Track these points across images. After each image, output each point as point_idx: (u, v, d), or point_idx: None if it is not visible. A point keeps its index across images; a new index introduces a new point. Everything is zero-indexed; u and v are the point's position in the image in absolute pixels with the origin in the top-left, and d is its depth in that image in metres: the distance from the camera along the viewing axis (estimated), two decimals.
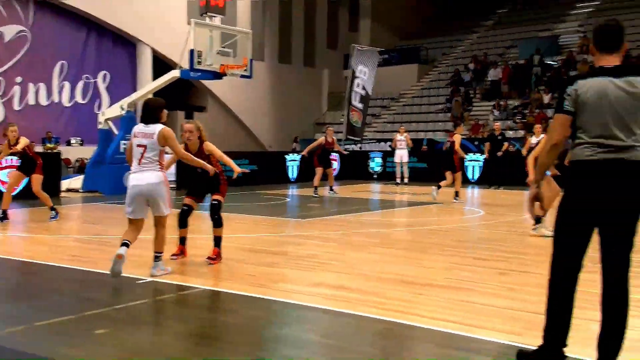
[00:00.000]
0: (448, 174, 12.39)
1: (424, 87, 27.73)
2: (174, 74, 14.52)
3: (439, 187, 12.36)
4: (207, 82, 22.70)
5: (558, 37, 25.99)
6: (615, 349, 3.01)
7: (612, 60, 3.07)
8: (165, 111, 5.36)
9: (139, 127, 5.25)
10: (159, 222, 5.35)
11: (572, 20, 27.53)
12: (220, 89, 23.86)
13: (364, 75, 20.15)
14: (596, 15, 26.65)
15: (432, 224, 8.96)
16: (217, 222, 6.02)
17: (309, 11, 28.72)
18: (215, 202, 6.01)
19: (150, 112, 5.24)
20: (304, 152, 14.00)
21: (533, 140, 10.44)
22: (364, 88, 20.18)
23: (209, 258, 5.98)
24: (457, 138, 12.35)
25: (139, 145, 5.21)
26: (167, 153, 5.53)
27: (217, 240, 6.05)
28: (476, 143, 20.02)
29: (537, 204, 3.29)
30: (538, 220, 7.77)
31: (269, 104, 26.97)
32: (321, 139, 13.95)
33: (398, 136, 16.91)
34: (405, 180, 17.02)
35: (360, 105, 20.18)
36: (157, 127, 5.18)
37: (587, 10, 27.96)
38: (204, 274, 5.57)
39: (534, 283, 5.22)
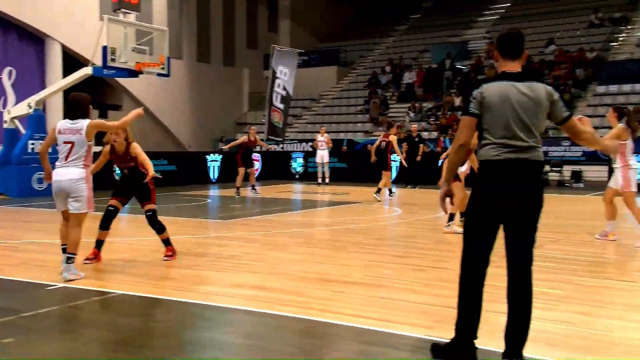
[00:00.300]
0: (383, 173, 12.88)
1: (343, 89, 28.20)
2: (86, 71, 13.87)
3: (379, 189, 12.62)
4: (122, 80, 21.85)
5: (467, 43, 27.30)
6: (521, 341, 3.19)
7: (514, 67, 3.27)
8: (91, 106, 5.33)
9: (64, 124, 5.16)
10: (75, 220, 5.23)
11: (479, 27, 29.02)
12: (137, 87, 23.06)
13: (285, 75, 20.19)
14: (501, 23, 28.27)
15: (352, 223, 9.13)
16: (159, 229, 6.14)
17: (228, 10, 28.38)
18: (150, 212, 6.07)
19: (76, 108, 5.18)
20: (226, 147, 13.98)
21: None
22: (284, 88, 20.21)
23: (165, 256, 6.14)
24: (393, 138, 12.76)
25: (65, 142, 5.15)
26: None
27: (166, 241, 6.21)
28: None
29: (448, 200, 3.48)
30: (451, 217, 8.18)
31: (188, 103, 26.36)
32: (243, 137, 13.92)
33: (319, 137, 17.07)
34: (327, 180, 17.23)
35: (281, 106, 20.19)
36: (84, 122, 5.14)
37: (493, 17, 29.60)
38: (120, 278, 5.37)
39: (448, 278, 5.46)
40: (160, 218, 6.31)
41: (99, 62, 13.54)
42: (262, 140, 15.75)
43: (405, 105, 24.60)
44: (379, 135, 22.54)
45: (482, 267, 3.27)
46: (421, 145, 16.30)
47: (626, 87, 20.51)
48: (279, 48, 20.43)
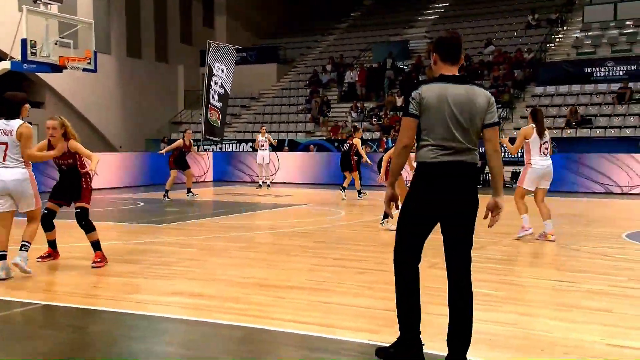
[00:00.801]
0: (347, 174, 13.73)
1: (284, 87, 28.19)
2: (3, 65, 13.23)
3: (344, 188, 13.51)
4: (45, 76, 20.92)
5: (408, 42, 27.93)
6: (463, 344, 3.30)
7: (453, 70, 3.40)
8: (26, 106, 5.44)
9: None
10: (31, 216, 5.53)
11: (420, 26, 29.76)
12: (61, 83, 22.16)
13: (222, 73, 19.96)
14: (441, 23, 29.14)
15: (294, 226, 9.14)
16: (88, 228, 6.10)
17: (160, 3, 27.77)
18: (78, 209, 6.09)
19: (10, 108, 5.33)
20: (162, 151, 13.92)
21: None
22: (222, 86, 19.98)
23: (94, 262, 6.06)
24: (358, 142, 13.45)
25: (0, 143, 5.31)
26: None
27: (95, 245, 6.14)
28: (336, 144, 20.80)
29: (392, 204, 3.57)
30: (386, 215, 8.29)
31: (117, 100, 25.59)
32: (179, 141, 13.82)
33: (260, 137, 16.97)
34: (268, 182, 17.16)
35: (219, 104, 19.94)
36: (16, 124, 5.30)
37: (433, 17, 30.44)
38: (46, 287, 5.15)
39: (391, 281, 5.55)
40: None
41: (18, 56, 12.95)
42: (197, 143, 15.57)
43: (347, 105, 24.88)
44: (321, 136, 22.79)
45: (415, 265, 3.43)
46: (364, 147, 16.47)
47: (563, 89, 21.59)
48: (216, 44, 20.18)
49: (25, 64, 12.92)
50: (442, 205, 3.31)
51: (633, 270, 6.00)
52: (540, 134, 7.65)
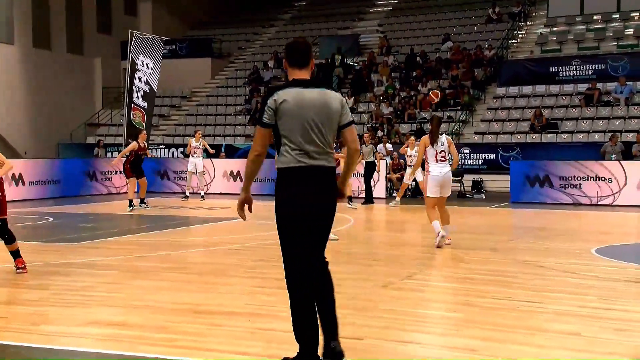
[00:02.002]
0: None
1: (220, 85, 28.04)
2: None
3: (350, 198, 14.22)
4: None
5: (358, 36, 28.34)
6: (333, 327, 3.88)
7: (303, 74, 3.87)
8: None
9: None
10: None
11: (371, 19, 30.29)
12: None
13: (147, 67, 19.67)
14: (394, 15, 29.76)
15: (231, 243, 9.07)
16: (10, 240, 6.72)
17: None
18: (0, 222, 6.67)
19: None
20: (115, 161, 13.82)
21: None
22: (147, 83, 19.68)
23: (19, 268, 6.67)
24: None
25: None
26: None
27: (16, 253, 6.77)
28: None
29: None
30: None
31: (22, 98, 24.77)
32: (133, 144, 13.88)
33: (193, 142, 16.73)
34: (202, 193, 16.95)
35: (143, 104, 19.62)
36: None
37: (386, 9, 31.02)
38: None
39: (340, 304, 5.60)
40: None
41: None
42: (149, 146, 15.33)
43: None
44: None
45: (307, 275, 3.80)
46: None
47: (526, 89, 22.38)
48: (139, 34, 19.88)
49: None
50: (307, 209, 3.74)
51: (602, 289, 6.26)
52: (433, 142, 8.58)
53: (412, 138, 14.79)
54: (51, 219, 12.26)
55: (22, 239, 9.41)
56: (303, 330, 3.76)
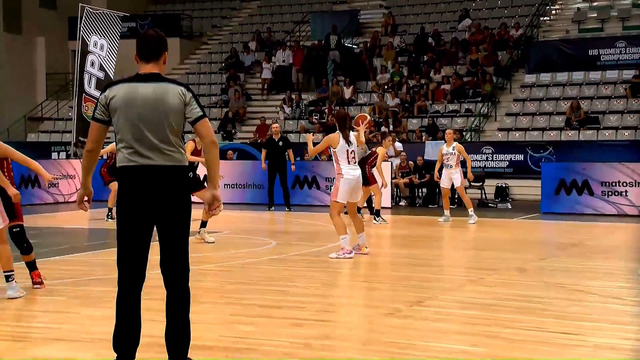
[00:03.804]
0: (364, 189, 13.30)
1: (190, 71, 28.05)
2: None
3: (375, 211, 13.75)
4: None
5: (358, 13, 28.36)
6: (183, 345, 4.47)
7: (150, 68, 4.39)
8: None
9: None
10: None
11: None
12: None
13: (102, 49, 19.68)
14: None
15: (204, 262, 9.07)
16: (27, 250, 7.16)
17: None
18: (18, 228, 7.11)
19: None
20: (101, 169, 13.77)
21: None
22: (102, 68, 19.67)
23: (37, 283, 7.16)
24: (381, 151, 13.73)
25: None
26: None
27: (32, 265, 7.21)
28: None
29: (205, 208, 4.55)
30: (204, 224, 10.43)
31: None
32: (111, 146, 13.58)
33: None
34: None
35: (97, 93, 19.58)
36: None
37: None
38: None
39: (335, 335, 5.62)
40: None
41: None
42: (80, 143, 15.18)
43: (279, 97, 24.99)
44: (246, 138, 22.73)
45: (135, 281, 4.45)
46: (289, 151, 16.48)
47: (561, 77, 22.45)
48: (91, 9, 19.88)
49: None
50: (148, 211, 4.32)
51: None
52: (347, 140, 9.08)
53: (450, 131, 14.58)
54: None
55: None
56: (122, 335, 4.44)
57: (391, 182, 17.32)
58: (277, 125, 17.15)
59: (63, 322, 6.04)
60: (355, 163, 9.18)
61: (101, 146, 4.55)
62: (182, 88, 4.39)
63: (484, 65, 23.23)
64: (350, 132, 9.28)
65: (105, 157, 14.07)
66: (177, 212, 4.37)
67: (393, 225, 14.48)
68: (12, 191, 6.78)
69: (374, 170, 13.66)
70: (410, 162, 18.44)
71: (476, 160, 19.37)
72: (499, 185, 18.50)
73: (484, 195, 18.12)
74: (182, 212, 4.40)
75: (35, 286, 7.20)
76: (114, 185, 13.75)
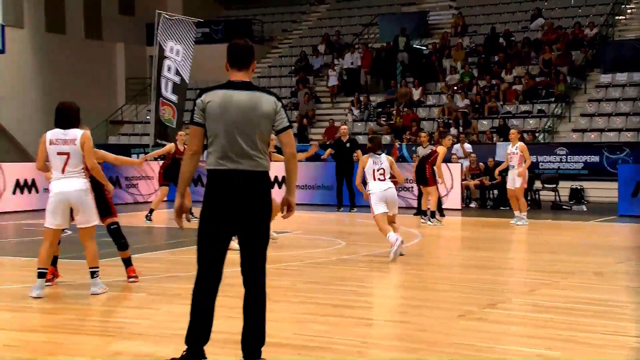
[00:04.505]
0: (425, 190, 13.79)
1: (262, 75, 28.30)
2: None
3: (431, 213, 13.56)
4: None
5: (427, 14, 28.09)
6: (258, 345, 4.58)
7: (241, 76, 4.57)
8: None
9: (55, 133, 6.68)
10: (87, 234, 6.86)
11: None
12: None
13: (177, 54, 20.04)
14: None
15: (278, 262, 9.15)
16: (124, 246, 7.46)
17: None
18: (115, 225, 7.48)
19: (68, 117, 6.70)
20: (140, 161, 14.00)
21: (420, 150, 14.16)
22: (177, 73, 20.04)
23: (130, 277, 7.48)
24: (441, 150, 13.76)
25: (60, 153, 6.64)
26: None
27: (128, 261, 7.55)
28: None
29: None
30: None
31: (34, 92, 25.61)
32: (170, 145, 14.04)
33: None
34: None
35: (173, 97, 19.98)
36: (77, 132, 6.69)
37: None
38: None
39: (405, 335, 5.58)
40: None
41: None
42: (158, 145, 15.47)
43: (347, 99, 25.00)
44: (315, 140, 22.83)
45: (212, 278, 4.62)
46: (357, 152, 16.46)
47: (638, 77, 21.77)
48: (168, 15, 20.30)
49: None
50: (232, 213, 4.48)
51: None
52: (374, 161, 9.81)
53: (514, 130, 14.38)
54: (69, 232, 12.61)
55: (35, 256, 9.73)
56: (195, 329, 4.59)
57: (461, 183, 17.12)
58: (345, 127, 17.17)
59: (143, 317, 6.18)
60: (383, 180, 9.72)
61: (202, 149, 4.66)
62: (274, 98, 4.58)
63: (558, 65, 22.72)
64: (383, 154, 9.89)
65: (161, 158, 14.21)
66: (260, 215, 4.52)
67: (463, 228, 14.33)
68: (110, 187, 7.18)
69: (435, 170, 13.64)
70: (481, 164, 18.19)
71: (549, 161, 19.02)
72: (574, 187, 18.09)
73: (557, 198, 17.74)
74: (264, 216, 4.55)
75: (130, 280, 7.50)
76: (164, 190, 13.92)
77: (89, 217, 6.83)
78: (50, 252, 6.88)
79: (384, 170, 9.77)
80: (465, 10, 27.69)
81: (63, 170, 6.69)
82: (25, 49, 25.05)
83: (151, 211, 13.97)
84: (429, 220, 13.53)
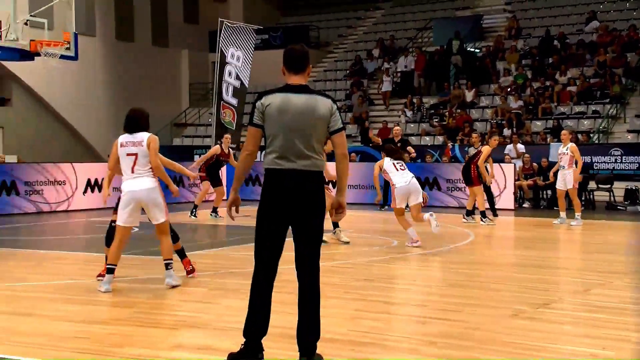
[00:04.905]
0: (472, 190, 13.76)
1: (317, 79, 28.35)
2: None
3: (481, 212, 13.41)
4: (10, 65, 21.58)
5: (481, 18, 27.73)
6: (314, 340, 4.58)
7: (298, 79, 4.66)
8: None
9: (126, 137, 7.02)
10: (160, 230, 7.12)
11: None
12: (32, 74, 22.86)
13: (238, 60, 20.24)
14: None
15: (331, 259, 9.14)
16: (175, 238, 7.53)
17: None
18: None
19: (136, 122, 7.04)
20: (195, 164, 14.24)
21: (471, 151, 14.16)
22: (237, 77, 20.24)
23: (190, 272, 7.62)
24: (486, 149, 13.61)
25: (129, 154, 6.96)
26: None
27: (181, 253, 7.69)
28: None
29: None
30: (336, 224, 10.27)
31: (104, 96, 26.20)
32: (216, 147, 14.35)
33: None
34: None
35: (233, 101, 20.19)
36: (144, 135, 7.01)
37: None
38: (2, 339, 5.27)
39: (458, 334, 5.50)
40: (67, 254, 6.30)
41: None
42: (235, 152, 15.73)
43: (400, 101, 24.85)
44: (368, 142, 22.73)
45: (268, 271, 4.68)
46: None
47: None
48: (229, 23, 20.50)
49: None
50: (287, 211, 4.55)
51: None
52: (391, 154, 10.41)
53: (565, 131, 14.09)
54: (136, 229, 12.84)
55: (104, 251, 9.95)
56: (252, 322, 4.63)
57: (514, 184, 16.82)
58: (398, 128, 17.05)
59: (204, 311, 6.24)
60: (404, 169, 10.27)
61: (257, 150, 4.74)
62: (330, 101, 4.66)
63: (612, 66, 22.16)
64: (397, 159, 10.38)
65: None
66: (314, 213, 4.58)
67: (516, 227, 14.07)
68: (173, 188, 7.36)
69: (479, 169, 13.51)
70: (535, 164, 17.85)
71: (604, 162, 18.52)
72: (629, 187, 17.60)
73: (612, 198, 17.28)
74: (318, 214, 4.60)
75: (189, 276, 7.58)
76: (206, 184, 14.29)
77: (160, 214, 7.03)
78: (120, 248, 7.06)
79: (402, 161, 10.44)
80: (519, 13, 27.25)
81: (132, 170, 6.94)
82: (96, 56, 25.62)
83: (195, 208, 14.24)
84: (481, 220, 13.33)
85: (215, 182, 14.41)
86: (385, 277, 8.10)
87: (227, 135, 14.83)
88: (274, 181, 4.56)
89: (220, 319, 5.95)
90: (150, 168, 7.00)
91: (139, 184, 6.95)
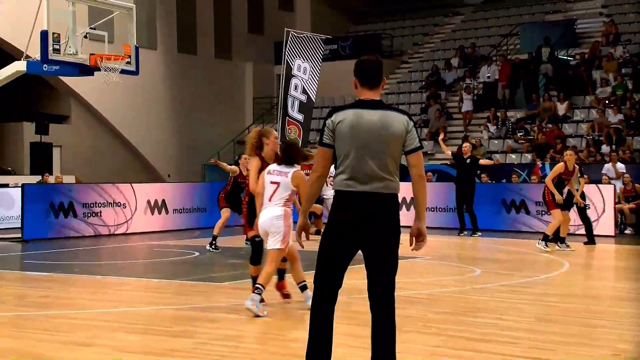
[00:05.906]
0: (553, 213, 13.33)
1: (390, 91, 28.29)
2: (17, 67, 14.23)
3: (559, 238, 13.14)
4: (69, 80, 22.33)
5: (575, 23, 27.22)
6: None
7: (372, 94, 4.62)
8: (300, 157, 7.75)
9: (274, 166, 7.56)
10: (270, 256, 7.42)
11: None
12: (91, 90, 23.57)
13: (305, 73, 20.38)
14: None
15: (407, 288, 9.06)
16: (255, 260, 7.81)
17: None
18: (259, 238, 7.82)
19: (288, 154, 7.55)
20: (217, 161, 13.73)
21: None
22: (304, 91, 20.38)
23: (284, 295, 7.95)
24: (557, 167, 13.34)
25: (272, 182, 7.46)
26: None
27: (280, 274, 8.01)
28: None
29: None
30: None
31: (165, 112, 26.79)
32: (234, 168, 13.30)
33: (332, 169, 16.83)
34: None
35: (299, 116, 20.33)
36: (292, 169, 7.51)
37: None
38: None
39: None
40: (120, 280, 6.42)
41: (36, 54, 13.86)
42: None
43: (483, 115, 24.56)
44: (446, 159, 22.55)
45: (331, 293, 4.68)
46: (490, 160, 16.09)
47: None
48: (296, 33, 20.71)
49: (45, 65, 13.77)
50: (356, 237, 4.56)
51: None
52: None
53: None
54: (197, 254, 13.05)
55: (165, 277, 10.12)
56: (314, 346, 4.66)
57: (614, 207, 16.34)
58: (467, 144, 16.73)
59: (270, 343, 6.30)
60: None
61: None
62: (406, 117, 4.64)
63: None
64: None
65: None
66: (388, 239, 4.57)
67: (617, 256, 13.66)
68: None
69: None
70: (637, 185, 17.32)
71: None
72: None
73: None
74: (393, 240, 4.59)
75: (284, 299, 7.96)
76: (226, 211, 13.06)
77: (274, 241, 7.38)
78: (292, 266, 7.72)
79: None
80: (617, 17, 26.62)
81: (270, 199, 7.43)
82: (158, 70, 26.25)
83: (215, 238, 13.00)
84: (557, 246, 13.03)
85: (237, 207, 12.58)
86: (468, 309, 7.96)
87: (245, 156, 13.15)
88: (344, 204, 4.57)
89: (284, 352, 5.95)
90: (286, 200, 7.48)
91: (267, 213, 7.43)
